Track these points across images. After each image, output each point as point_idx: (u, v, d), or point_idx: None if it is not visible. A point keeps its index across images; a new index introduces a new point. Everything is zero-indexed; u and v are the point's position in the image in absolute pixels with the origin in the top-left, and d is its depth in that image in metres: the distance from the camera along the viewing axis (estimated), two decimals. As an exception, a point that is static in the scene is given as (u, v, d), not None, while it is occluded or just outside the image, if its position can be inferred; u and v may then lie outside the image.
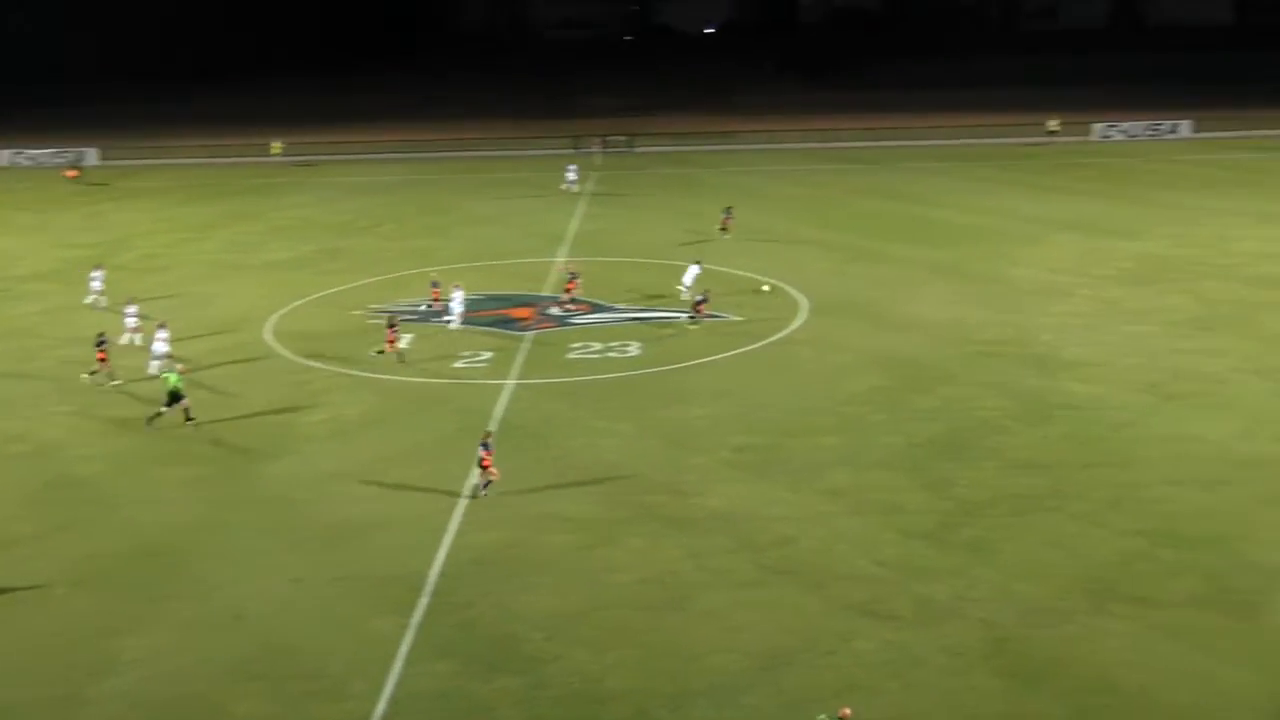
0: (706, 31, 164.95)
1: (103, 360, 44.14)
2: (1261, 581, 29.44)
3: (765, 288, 54.60)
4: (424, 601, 29.31)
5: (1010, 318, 50.19)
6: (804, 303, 52.81)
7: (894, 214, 69.96)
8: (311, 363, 46.78)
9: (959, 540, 31.94)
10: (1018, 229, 64.88)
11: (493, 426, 39.64)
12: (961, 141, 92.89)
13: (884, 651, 27.02)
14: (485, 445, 34.52)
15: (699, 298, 50.24)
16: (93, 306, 54.55)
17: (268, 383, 43.93)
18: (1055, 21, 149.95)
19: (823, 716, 23.27)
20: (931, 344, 47.25)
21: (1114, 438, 38.04)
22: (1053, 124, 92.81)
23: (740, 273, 55.29)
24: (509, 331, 49.84)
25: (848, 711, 23.09)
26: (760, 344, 47.60)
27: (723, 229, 63.88)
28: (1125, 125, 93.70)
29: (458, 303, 50.39)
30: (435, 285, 52.81)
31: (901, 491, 34.80)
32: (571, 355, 46.87)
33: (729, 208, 65.10)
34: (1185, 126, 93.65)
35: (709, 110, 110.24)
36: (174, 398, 39.82)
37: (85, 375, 44.45)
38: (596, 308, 52.48)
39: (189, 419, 40.09)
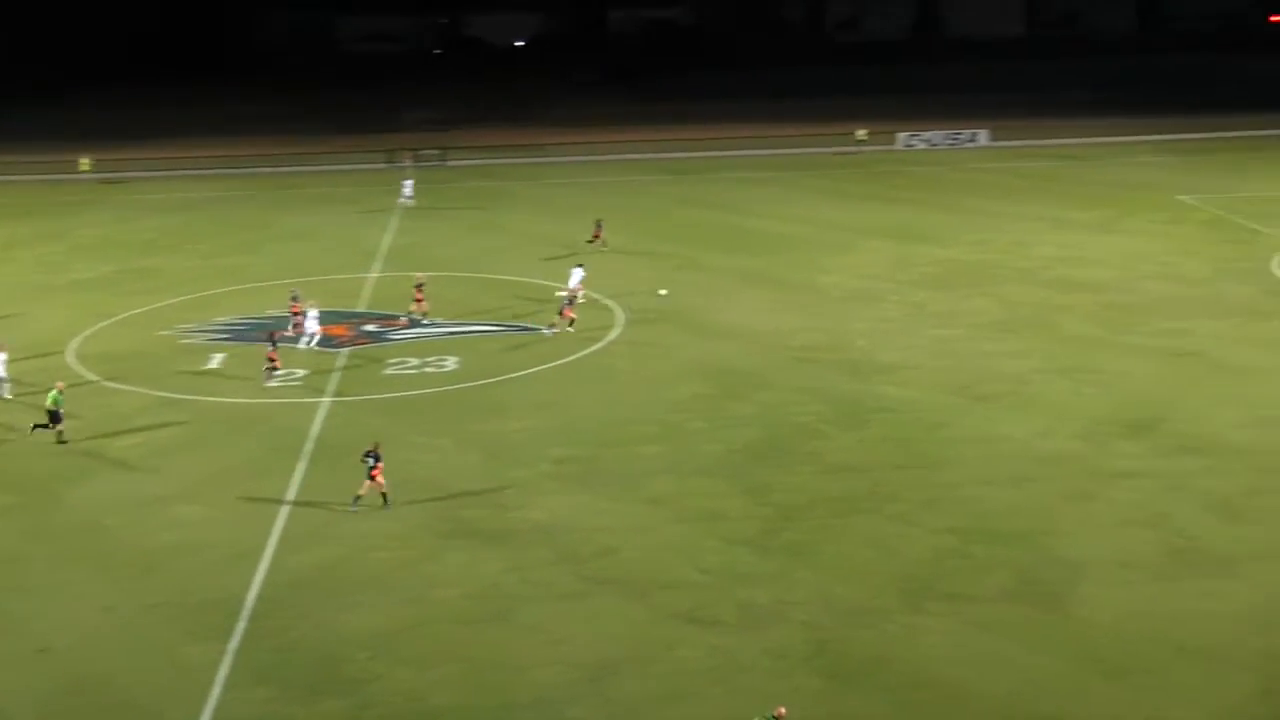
0: (517, 44, 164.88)
1: None
2: (1066, 574, 30.53)
3: (662, 292, 55.25)
4: (241, 626, 28.57)
5: (824, 324, 51.13)
6: (621, 313, 53.01)
7: (709, 223, 70.73)
8: (120, 385, 45.24)
9: (780, 545, 32.39)
10: (830, 237, 66.20)
11: (309, 445, 38.92)
12: (774, 151, 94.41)
13: (708, 658, 27.22)
14: (375, 456, 34.09)
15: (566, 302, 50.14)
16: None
17: (74, 407, 42.28)
18: (858, 33, 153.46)
19: (757, 718, 23.35)
20: (748, 351, 47.86)
21: (927, 439, 39.03)
22: (861, 134, 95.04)
23: (558, 285, 55.18)
24: (323, 349, 48.91)
25: (783, 711, 23.24)
26: (578, 355, 47.62)
27: (593, 240, 63.27)
28: (927, 135, 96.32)
29: (312, 320, 49.25)
30: (295, 299, 51.46)
31: (722, 498, 35.14)
32: (388, 371, 46.24)
33: (599, 220, 64.44)
34: (984, 135, 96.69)
35: (522, 123, 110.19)
36: (54, 416, 39.37)
37: None
38: (413, 323, 51.87)
39: (61, 440, 39.51)
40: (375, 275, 60.23)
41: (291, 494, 35.38)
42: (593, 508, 34.68)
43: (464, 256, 63.58)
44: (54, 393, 39.65)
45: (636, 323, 51.70)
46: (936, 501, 34.66)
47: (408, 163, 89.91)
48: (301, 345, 48.72)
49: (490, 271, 60.25)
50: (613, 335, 50.15)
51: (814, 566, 31.19)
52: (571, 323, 49.92)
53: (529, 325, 50.33)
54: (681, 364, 46.45)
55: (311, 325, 49.22)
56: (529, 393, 43.83)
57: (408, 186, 77.58)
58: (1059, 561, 31.21)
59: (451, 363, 46.99)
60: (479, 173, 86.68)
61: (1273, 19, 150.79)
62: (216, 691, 26.00)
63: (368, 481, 34.19)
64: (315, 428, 40.72)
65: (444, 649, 27.67)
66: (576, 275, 53.45)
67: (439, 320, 51.98)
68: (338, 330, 51.05)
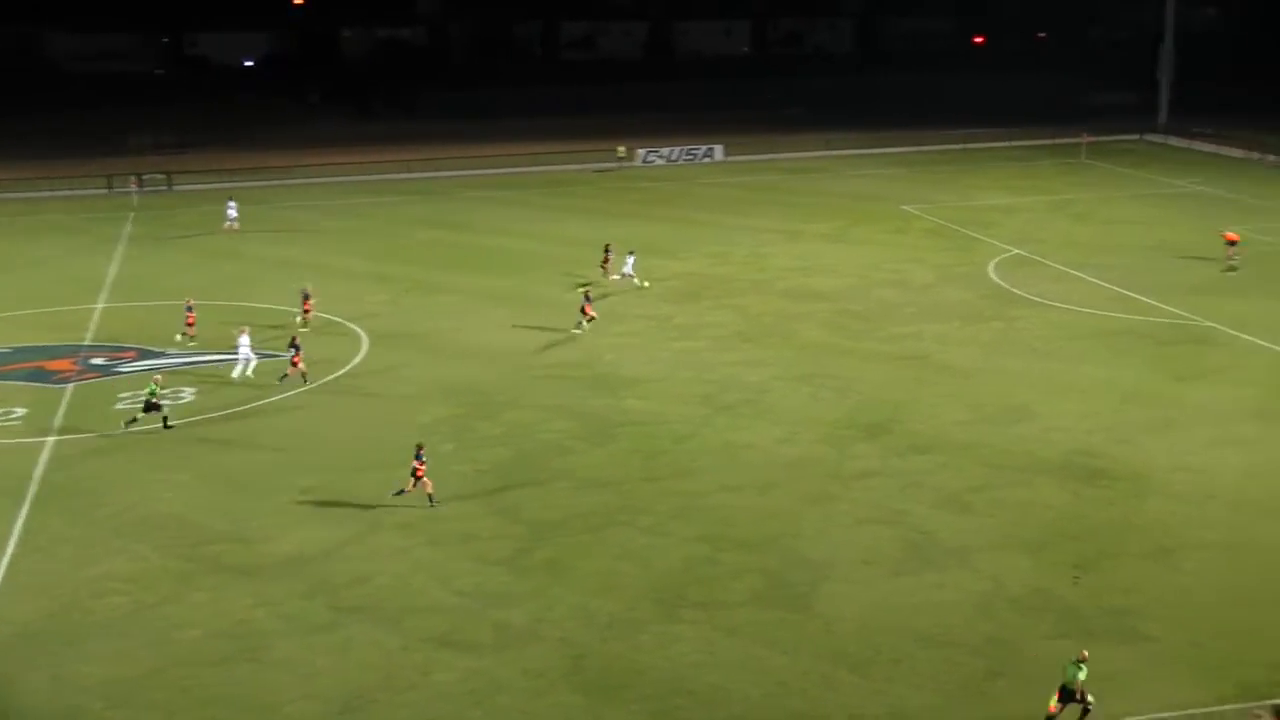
0: (246, 64, 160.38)
1: None
2: (812, 574, 31.49)
3: (645, 284, 57.51)
4: (-33, 683, 26.99)
5: (569, 341, 51.42)
6: (364, 337, 52.23)
7: (450, 243, 70.34)
8: None
9: (534, 563, 32.42)
10: (573, 253, 66.60)
11: (33, 488, 37.09)
12: (512, 170, 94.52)
13: (466, 681, 27.05)
14: (418, 456, 35.20)
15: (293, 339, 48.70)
16: None
17: None
18: (594, 52, 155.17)
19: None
20: (495, 371, 47.77)
21: (675, 450, 39.67)
22: (621, 150, 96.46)
23: (297, 310, 53.98)
24: (45, 385, 46.65)
25: (1085, 654, 24.94)
26: (323, 381, 46.69)
27: (604, 266, 61.44)
28: (665, 150, 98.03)
29: (245, 347, 46.86)
30: (189, 309, 50.20)
31: (474, 519, 34.97)
32: (121, 405, 44.32)
33: (608, 245, 62.25)
34: (718, 151, 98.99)
35: (252, 146, 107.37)
36: (151, 406, 41.16)
37: None
38: (144, 354, 49.95)
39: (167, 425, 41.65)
40: (102, 306, 57.77)
41: (13, 541, 33.64)
42: (342, 536, 34.05)
43: (198, 284, 61.53)
44: (152, 385, 41.79)
45: (380, 346, 51.01)
46: (686, 511, 35.26)
47: (133, 188, 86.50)
48: (235, 375, 46.62)
49: (227, 299, 58.47)
50: (357, 360, 49.35)
51: (569, 583, 31.33)
52: (591, 320, 52.05)
53: (270, 353, 49.04)
54: (428, 386, 46.04)
55: (245, 352, 46.82)
56: (273, 422, 42.74)
57: (232, 208, 74.59)
58: (805, 563, 32.16)
59: (188, 394, 45.42)
60: (208, 197, 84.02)
61: (977, 40, 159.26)
62: (-57, 754, 24.53)
63: (412, 480, 35.09)
64: (39, 469, 38.78)
65: (190, 693, 26.71)
66: (630, 261, 58.40)
67: (170, 351, 50.20)
68: (61, 365, 48.76)
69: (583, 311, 52.30)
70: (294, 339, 46.81)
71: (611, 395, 44.86)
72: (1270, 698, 25.46)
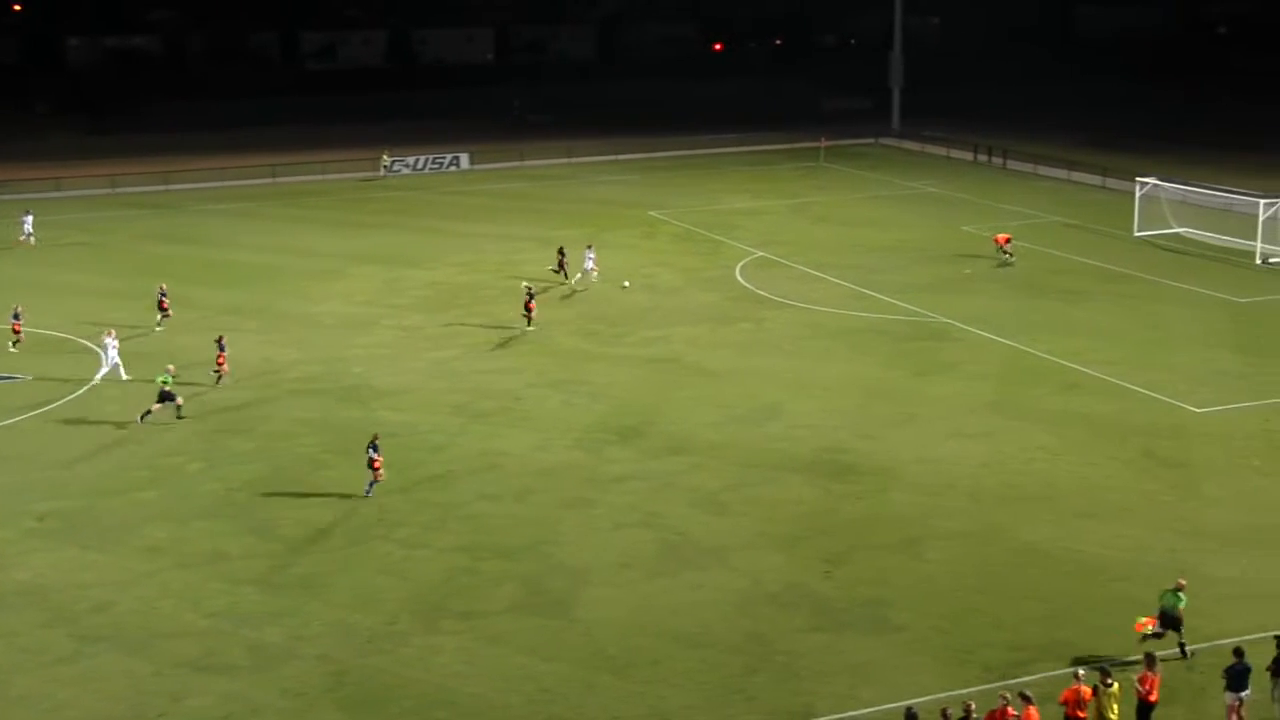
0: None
1: None
2: (571, 580, 31.70)
3: (625, 284, 58.77)
4: None
5: (319, 353, 50.49)
6: (103, 356, 50.08)
7: (189, 258, 68.10)
8: None
9: (289, 580, 31.75)
10: (317, 265, 65.43)
11: None
12: (253, 181, 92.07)
13: (221, 705, 26.32)
14: (374, 447, 36.17)
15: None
16: None
17: None
18: (335, 61, 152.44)
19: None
20: (243, 386, 46.53)
21: (431, 460, 39.37)
22: (386, 159, 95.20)
23: (43, 332, 51.58)
24: None
25: (1183, 581, 27.05)
26: (60, 402, 44.71)
27: (559, 269, 60.07)
28: (410, 159, 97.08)
29: (113, 350, 46.88)
30: (16, 318, 48.80)
31: (226, 538, 34.04)
32: None
33: (561, 247, 60.99)
34: (465, 159, 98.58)
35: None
36: (164, 396, 42.11)
37: None
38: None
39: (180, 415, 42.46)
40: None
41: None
42: (84, 562, 32.68)
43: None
44: (165, 376, 43.06)
45: (120, 364, 49.00)
46: (444, 521, 35.05)
47: None
48: (101, 377, 46.95)
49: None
50: (96, 379, 47.35)
51: (326, 599, 30.77)
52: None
53: (5, 375, 46.68)
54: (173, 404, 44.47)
55: (114, 356, 47.05)
56: (3, 446, 40.67)
57: (28, 221, 70.41)
58: (563, 569, 32.32)
59: (-91, 420, 42.90)
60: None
61: (717, 47, 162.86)
62: None
63: (369, 471, 36.28)
64: None
65: (-79, 735, 25.24)
66: (590, 258, 59.95)
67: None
68: None
69: (527, 309, 52.67)
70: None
71: (364, 407, 44.23)
72: (1012, 678, 26.74)
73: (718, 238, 71.25)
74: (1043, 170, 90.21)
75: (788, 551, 33.10)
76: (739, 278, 62.06)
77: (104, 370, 47.14)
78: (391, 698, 26.65)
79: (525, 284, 54.34)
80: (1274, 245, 62.85)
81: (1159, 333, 51.70)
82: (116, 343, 47.42)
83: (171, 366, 44.18)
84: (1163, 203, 69.75)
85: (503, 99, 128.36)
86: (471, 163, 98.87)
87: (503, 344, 51.57)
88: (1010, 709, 23.18)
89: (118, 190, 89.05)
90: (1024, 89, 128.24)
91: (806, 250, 67.54)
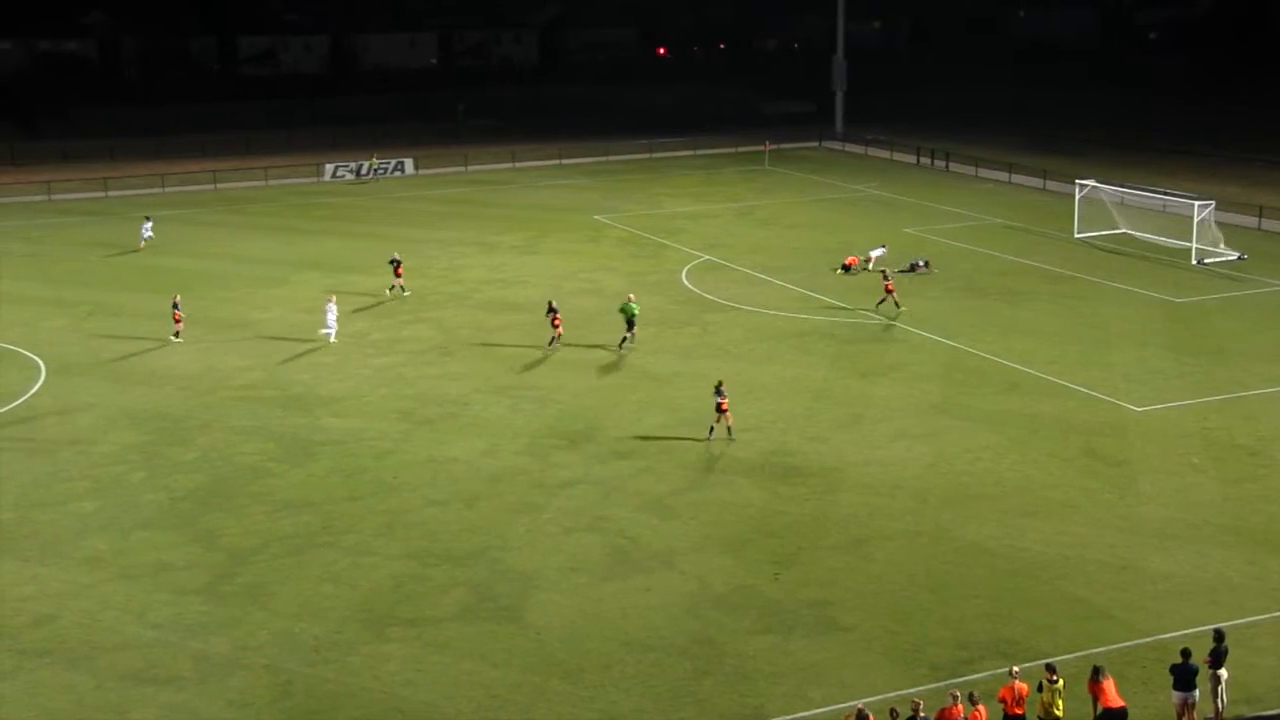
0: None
1: None
2: (520, 585, 31.60)
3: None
4: None
5: (262, 361, 50.07)
6: (41, 365, 49.53)
7: (124, 265, 67.38)
8: None
9: (234, 590, 31.46)
10: (259, 272, 64.89)
11: None
12: (192, 188, 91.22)
13: (166, 717, 26.10)
14: (719, 391, 39.78)
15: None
16: None
17: None
18: (276, 67, 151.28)
19: None
20: (184, 395, 46.07)
21: (376, 467, 39.14)
22: (374, 161, 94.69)
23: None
24: None
25: None
26: (-5, 413, 44.11)
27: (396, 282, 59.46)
28: (353, 164, 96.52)
29: (332, 316, 51.98)
30: (175, 307, 51.25)
31: (169, 549, 33.68)
32: None
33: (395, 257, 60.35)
34: (409, 164, 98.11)
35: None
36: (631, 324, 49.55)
37: None
38: None
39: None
40: None
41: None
42: (22, 575, 32.22)
43: None
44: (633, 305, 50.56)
45: (60, 374, 48.46)
46: (391, 528, 34.84)
47: None
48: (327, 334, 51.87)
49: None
50: (34, 389, 46.74)
51: (272, 608, 30.51)
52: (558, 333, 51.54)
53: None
54: (113, 414, 44.01)
55: (330, 318, 52.10)
56: (-61, 458, 40.10)
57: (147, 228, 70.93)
58: (512, 574, 32.22)
59: None
60: None
61: (660, 52, 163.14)
62: None
63: (718, 415, 39.23)
64: None
65: None
66: (878, 252, 63.50)
67: None
68: None
69: (553, 325, 51.02)
70: None
71: (308, 414, 43.91)
72: (959, 675, 26.95)
73: (663, 241, 71.31)
74: (984, 173, 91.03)
75: (736, 554, 33.17)
76: (685, 281, 62.13)
77: (327, 330, 51.92)
78: (339, 707, 26.46)
79: (549, 301, 53.04)
80: (1208, 246, 63.81)
81: (1099, 332, 52.26)
82: (335, 308, 52.32)
83: (631, 295, 51.41)
84: (1106, 204, 70.55)
85: (446, 104, 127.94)
86: (416, 168, 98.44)
87: (448, 349, 51.35)
88: (959, 707, 23.35)
89: (54, 197, 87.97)
90: (964, 93, 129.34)
91: (751, 253, 67.75)
